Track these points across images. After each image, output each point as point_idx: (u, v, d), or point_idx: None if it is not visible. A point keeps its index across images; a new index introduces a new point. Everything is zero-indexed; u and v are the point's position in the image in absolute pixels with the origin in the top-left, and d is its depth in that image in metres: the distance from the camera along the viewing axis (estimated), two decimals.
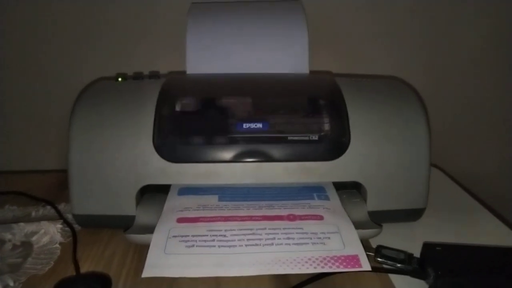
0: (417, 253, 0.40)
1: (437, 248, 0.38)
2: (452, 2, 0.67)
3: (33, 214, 0.50)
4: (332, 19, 0.66)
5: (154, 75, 0.52)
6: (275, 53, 0.55)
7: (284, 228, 0.40)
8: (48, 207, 0.51)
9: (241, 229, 0.40)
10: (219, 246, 0.38)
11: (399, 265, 0.39)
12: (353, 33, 0.68)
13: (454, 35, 0.69)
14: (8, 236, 0.44)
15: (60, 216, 0.48)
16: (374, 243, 0.43)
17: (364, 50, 0.69)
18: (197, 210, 0.43)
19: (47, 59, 0.65)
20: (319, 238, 0.39)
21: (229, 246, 0.38)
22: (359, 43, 0.68)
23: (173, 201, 0.45)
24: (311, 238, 0.39)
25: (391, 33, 0.68)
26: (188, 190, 0.46)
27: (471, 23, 0.69)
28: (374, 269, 0.37)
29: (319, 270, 0.36)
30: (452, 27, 0.69)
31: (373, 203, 0.45)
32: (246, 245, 0.38)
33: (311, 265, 0.36)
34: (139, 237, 0.41)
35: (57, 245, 0.43)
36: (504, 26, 0.69)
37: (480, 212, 0.52)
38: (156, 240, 0.39)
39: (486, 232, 0.47)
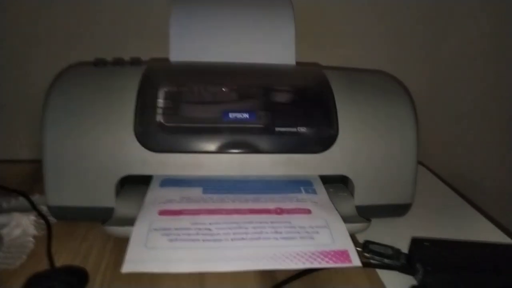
0: (404, 249, 0.39)
1: (425, 244, 0.38)
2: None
3: (4, 205, 0.47)
4: (322, 12, 0.65)
5: (136, 61, 0.49)
6: (260, 42, 0.54)
7: (271, 222, 0.39)
8: (21, 198, 0.48)
9: (226, 223, 0.39)
10: (203, 240, 0.37)
11: (387, 260, 0.39)
12: (345, 28, 0.67)
13: (453, 33, 0.69)
14: None
15: (34, 207, 0.45)
16: (360, 238, 0.42)
17: (356, 46, 0.68)
18: (180, 202, 0.41)
19: (21, 43, 0.61)
20: (308, 232, 0.38)
21: (214, 240, 0.37)
22: (350, 39, 0.67)
23: (155, 192, 0.43)
24: (299, 233, 0.38)
25: (386, 29, 0.68)
26: (171, 182, 0.45)
27: (471, 21, 0.68)
28: (362, 265, 0.36)
29: (308, 265, 0.35)
30: (451, 25, 0.68)
31: (360, 197, 0.45)
32: (232, 239, 0.37)
33: (299, 260, 0.35)
34: (118, 230, 0.39)
35: (30, 238, 0.41)
36: (504, 24, 0.69)
37: (465, 208, 0.52)
38: (137, 233, 0.37)
39: (471, 228, 0.47)
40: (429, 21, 0.68)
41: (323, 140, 0.43)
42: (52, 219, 0.44)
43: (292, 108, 0.44)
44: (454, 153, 0.76)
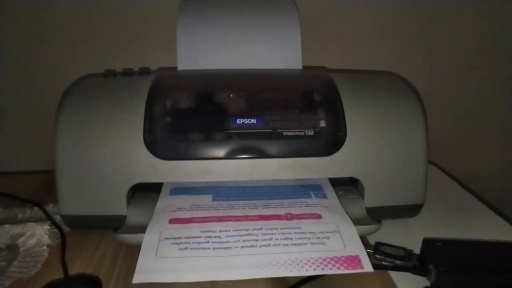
0: (416, 250, 0.39)
1: (438, 244, 0.37)
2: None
3: (20, 216, 0.48)
4: (327, 15, 0.66)
5: (144, 71, 0.50)
6: (267, 48, 0.54)
7: (281, 228, 0.39)
8: (36, 208, 0.49)
9: (236, 230, 0.39)
10: (213, 249, 0.37)
11: (398, 262, 0.38)
12: (350, 30, 0.67)
13: (454, 33, 0.68)
14: None
15: (48, 217, 0.46)
16: (372, 240, 0.42)
17: (361, 48, 0.68)
18: (190, 210, 0.42)
19: (33, 58, 0.63)
20: (318, 238, 0.38)
21: (224, 248, 0.37)
22: (355, 41, 0.67)
23: (165, 201, 0.43)
24: (309, 238, 0.38)
25: (389, 31, 0.67)
26: (180, 190, 0.45)
27: (472, 20, 0.68)
28: (374, 267, 0.36)
29: (319, 272, 0.35)
30: (453, 24, 0.68)
31: (371, 199, 0.44)
32: (242, 247, 0.37)
33: (310, 266, 0.35)
34: (131, 237, 0.40)
35: (45, 247, 0.42)
36: (505, 23, 0.68)
37: (478, 207, 0.52)
38: (147, 242, 0.37)
39: (484, 227, 0.46)
40: (436, 21, 0.67)
41: (331, 143, 0.43)
42: (65, 228, 0.44)
43: (299, 112, 0.45)
44: (454, 151, 0.76)
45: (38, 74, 0.64)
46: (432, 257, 0.36)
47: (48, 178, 0.53)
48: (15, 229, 0.43)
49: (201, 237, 0.38)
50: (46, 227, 0.44)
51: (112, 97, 0.44)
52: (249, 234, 0.38)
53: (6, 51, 0.62)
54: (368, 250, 0.38)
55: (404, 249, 0.39)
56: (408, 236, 0.43)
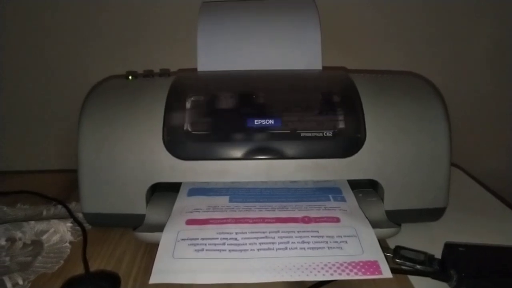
0: (437, 255, 0.38)
1: (460, 249, 0.36)
2: None
3: (44, 213, 0.49)
4: (345, 15, 0.65)
5: (164, 73, 0.51)
6: (287, 49, 0.54)
7: (298, 231, 0.39)
8: (59, 206, 0.50)
9: (253, 232, 0.39)
10: (229, 251, 0.37)
11: (419, 266, 0.37)
12: (367, 30, 0.66)
13: (469, 31, 0.67)
14: (18, 234, 0.43)
15: (71, 215, 0.47)
16: (391, 244, 0.41)
17: (378, 48, 0.67)
18: (207, 211, 0.42)
19: (55, 59, 0.65)
20: (336, 242, 0.37)
21: (240, 251, 0.37)
22: (372, 41, 0.67)
23: (182, 202, 0.44)
24: (327, 242, 0.37)
25: (405, 31, 0.66)
26: (198, 191, 0.45)
27: (487, 17, 0.66)
28: (393, 271, 0.35)
29: (336, 277, 0.34)
30: (467, 22, 0.66)
31: (391, 202, 0.43)
32: (258, 250, 0.37)
33: (327, 271, 0.34)
34: (149, 236, 0.40)
35: (67, 244, 0.43)
36: None
37: (503, 211, 0.50)
38: (164, 243, 0.37)
39: (509, 231, 0.45)
40: (444, 17, 0.66)
41: (350, 144, 0.43)
42: (87, 226, 0.45)
43: (318, 113, 0.44)
44: (492, 154, 0.73)
45: (62, 74, 0.66)
46: (454, 262, 0.35)
47: (72, 177, 0.54)
48: (40, 226, 0.44)
49: (217, 238, 0.38)
50: (69, 224, 0.45)
51: (133, 98, 0.45)
52: (266, 237, 0.38)
53: (32, 53, 0.64)
54: (387, 254, 0.37)
55: (424, 253, 0.38)
56: (429, 240, 0.42)
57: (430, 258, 0.38)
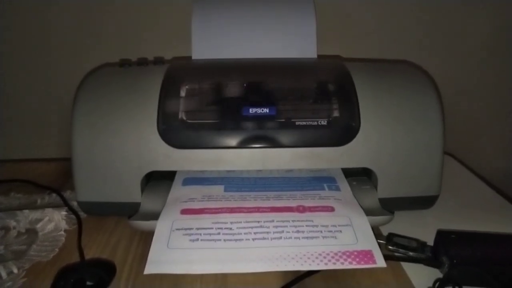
0: (430, 242, 0.38)
1: (452, 236, 0.37)
2: None
3: (39, 201, 0.49)
4: (342, 3, 0.64)
5: (159, 61, 0.51)
6: (282, 37, 0.54)
7: (293, 221, 0.39)
8: (54, 194, 0.50)
9: (247, 222, 0.39)
10: (224, 240, 0.37)
11: (411, 253, 0.38)
12: (363, 20, 0.66)
13: (468, 22, 0.66)
14: (12, 223, 0.43)
15: (65, 203, 0.47)
16: (384, 231, 0.41)
17: (373, 38, 0.67)
18: (202, 201, 0.42)
19: (49, 47, 0.64)
20: (330, 231, 0.38)
21: (235, 240, 0.37)
22: (367, 32, 0.66)
23: (177, 191, 0.44)
24: (321, 232, 0.38)
25: (402, 21, 0.66)
26: (193, 180, 0.45)
27: (486, 8, 0.66)
28: (386, 257, 0.35)
29: (330, 266, 0.34)
30: (466, 13, 0.66)
31: (384, 190, 0.44)
32: (253, 239, 0.37)
33: (321, 261, 0.35)
34: (144, 224, 0.40)
35: (62, 232, 0.43)
36: None
37: (495, 200, 0.50)
38: (159, 233, 0.37)
39: (501, 220, 0.45)
40: (442, 8, 0.65)
41: (345, 133, 0.43)
42: (82, 214, 0.45)
43: (313, 101, 0.44)
44: (488, 145, 0.74)
45: (56, 64, 0.65)
46: (446, 249, 0.36)
47: (66, 166, 0.54)
48: (34, 214, 0.44)
49: (212, 228, 0.38)
50: (64, 213, 0.45)
51: (127, 86, 0.45)
52: (261, 226, 0.38)
53: (25, 45, 0.63)
54: (380, 241, 0.38)
55: (417, 240, 0.39)
56: (422, 228, 0.42)
57: (422, 245, 0.38)
